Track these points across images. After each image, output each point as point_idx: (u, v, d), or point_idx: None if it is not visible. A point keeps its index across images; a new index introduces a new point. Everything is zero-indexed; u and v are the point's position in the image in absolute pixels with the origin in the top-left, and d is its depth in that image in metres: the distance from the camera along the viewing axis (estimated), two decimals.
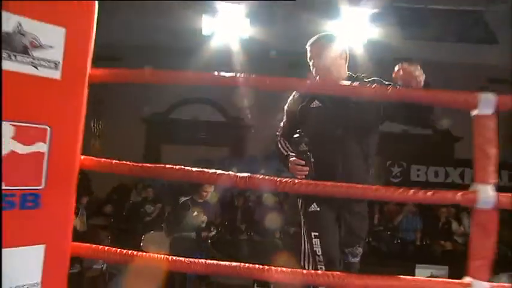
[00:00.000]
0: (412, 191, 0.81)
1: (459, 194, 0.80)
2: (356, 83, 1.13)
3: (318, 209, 1.15)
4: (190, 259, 0.80)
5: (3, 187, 0.66)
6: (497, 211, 0.81)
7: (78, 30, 0.77)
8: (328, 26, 3.17)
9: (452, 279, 0.90)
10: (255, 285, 3.26)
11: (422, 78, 0.94)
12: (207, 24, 3.02)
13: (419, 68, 0.95)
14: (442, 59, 3.57)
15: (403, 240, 4.75)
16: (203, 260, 0.85)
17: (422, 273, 3.56)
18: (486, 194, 0.78)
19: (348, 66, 1.31)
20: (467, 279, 0.80)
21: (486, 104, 0.80)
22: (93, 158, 0.81)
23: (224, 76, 0.85)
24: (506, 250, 4.86)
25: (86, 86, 0.78)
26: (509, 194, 0.83)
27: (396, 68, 0.96)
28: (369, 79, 1.23)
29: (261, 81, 0.94)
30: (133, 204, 4.55)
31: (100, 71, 0.82)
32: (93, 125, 6.33)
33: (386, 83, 1.13)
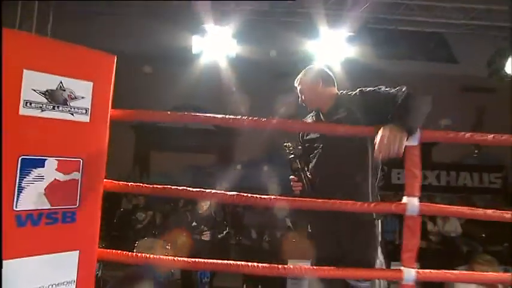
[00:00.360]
0: (358, 204, 1.07)
1: (393, 205, 1.07)
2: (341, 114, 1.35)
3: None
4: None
5: (50, 207, 0.86)
6: (420, 217, 1.08)
7: (102, 82, 0.98)
8: (309, 45, 3.47)
9: None
10: (244, 286, 3.46)
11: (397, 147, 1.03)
12: (196, 43, 3.26)
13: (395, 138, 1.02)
14: (412, 75, 3.97)
15: (384, 240, 5.05)
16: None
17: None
18: (412, 204, 1.05)
19: (336, 85, 1.47)
20: (400, 267, 1.06)
21: (413, 138, 1.07)
22: (113, 181, 1.02)
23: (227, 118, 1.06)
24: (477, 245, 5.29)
25: (108, 125, 1.00)
26: (430, 204, 1.09)
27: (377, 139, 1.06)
28: (353, 92, 1.39)
29: (241, 122, 1.17)
30: (124, 212, 4.67)
31: (119, 112, 1.04)
32: None
33: (368, 89, 1.33)
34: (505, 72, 3.39)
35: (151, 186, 1.03)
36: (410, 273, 1.04)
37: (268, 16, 3.47)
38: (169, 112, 1.41)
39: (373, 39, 3.34)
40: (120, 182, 1.03)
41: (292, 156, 1.36)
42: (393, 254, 5.00)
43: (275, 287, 3.15)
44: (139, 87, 5.28)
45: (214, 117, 1.08)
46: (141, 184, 1.04)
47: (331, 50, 3.40)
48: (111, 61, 1.01)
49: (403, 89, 1.20)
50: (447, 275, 1.13)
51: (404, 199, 1.09)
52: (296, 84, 1.46)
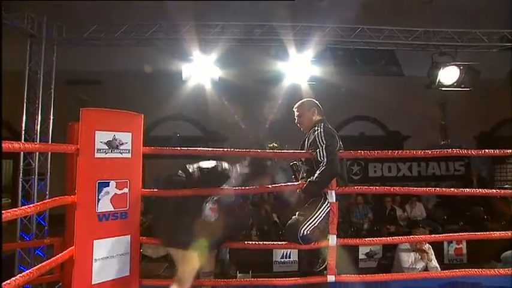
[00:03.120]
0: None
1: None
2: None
3: None
4: None
5: (113, 209, 1.48)
6: (337, 203, 1.74)
7: (136, 132, 1.61)
8: (279, 66, 4.14)
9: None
10: (238, 272, 4.05)
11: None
12: (186, 69, 3.87)
13: None
14: (366, 89, 4.73)
15: (357, 226, 5.74)
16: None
17: (364, 250, 4.64)
18: (331, 196, 1.72)
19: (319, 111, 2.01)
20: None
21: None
22: (147, 190, 1.65)
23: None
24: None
25: (141, 157, 1.63)
26: (344, 188, 1.75)
27: None
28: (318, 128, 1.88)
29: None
30: None
31: (149, 149, 1.67)
32: None
33: (318, 137, 1.80)
34: (440, 82, 4.15)
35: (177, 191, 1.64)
36: (333, 239, 1.70)
37: (245, 43, 4.12)
38: (185, 148, 1.75)
39: (333, 58, 4.02)
40: (151, 190, 1.66)
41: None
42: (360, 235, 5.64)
43: None
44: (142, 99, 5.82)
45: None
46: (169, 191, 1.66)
47: (298, 69, 4.09)
48: (141, 118, 1.64)
49: (325, 163, 1.74)
50: (361, 241, 1.80)
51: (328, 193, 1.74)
52: (295, 109, 2.05)
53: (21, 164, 3.86)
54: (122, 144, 1.54)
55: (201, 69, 3.83)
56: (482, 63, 4.38)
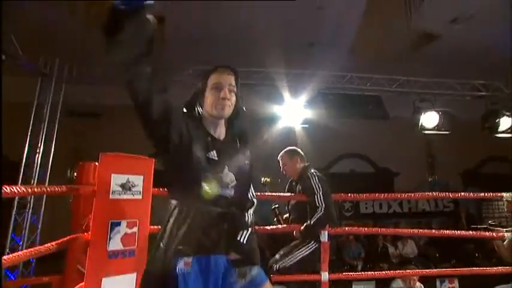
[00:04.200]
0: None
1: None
2: None
3: None
4: None
5: (122, 248, 1.59)
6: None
7: (147, 175, 1.78)
8: (275, 109, 4.46)
9: None
10: None
11: None
12: None
13: None
14: (355, 130, 5.08)
15: (350, 265, 5.74)
16: None
17: None
18: (324, 236, 1.87)
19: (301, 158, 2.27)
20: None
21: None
22: (153, 226, 1.76)
23: None
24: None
25: (150, 198, 1.77)
26: (337, 229, 1.90)
27: None
28: (313, 176, 2.11)
29: None
30: None
31: (158, 190, 1.82)
32: (69, 173, 6.85)
33: (309, 183, 2.08)
34: (423, 125, 4.52)
35: None
36: (325, 275, 1.82)
37: (243, 86, 4.46)
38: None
39: (324, 103, 4.37)
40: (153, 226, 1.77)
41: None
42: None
43: None
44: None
45: None
46: None
47: (293, 113, 4.42)
48: (152, 162, 1.81)
49: (323, 208, 1.95)
50: (351, 275, 1.92)
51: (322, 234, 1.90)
52: (279, 159, 2.32)
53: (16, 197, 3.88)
54: (134, 186, 1.69)
55: None
56: (460, 108, 4.81)
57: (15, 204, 3.89)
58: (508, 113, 4.52)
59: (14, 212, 3.85)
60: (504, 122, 4.65)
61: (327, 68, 4.54)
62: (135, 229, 1.66)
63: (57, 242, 1.36)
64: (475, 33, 4.78)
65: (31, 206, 3.92)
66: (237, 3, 3.79)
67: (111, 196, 1.59)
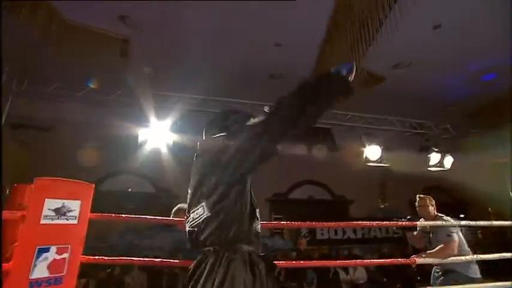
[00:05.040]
0: None
1: None
2: None
3: None
4: None
5: (49, 275, 1.55)
6: None
7: (85, 200, 1.78)
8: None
9: None
10: None
11: None
12: (142, 134, 4.16)
13: None
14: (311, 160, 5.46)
15: None
16: None
17: None
18: None
19: None
20: None
21: None
22: (89, 257, 1.74)
23: None
24: None
25: (87, 224, 1.76)
26: None
27: None
28: None
29: None
30: None
31: (96, 215, 1.81)
32: (8, 192, 6.33)
33: None
34: (367, 158, 4.98)
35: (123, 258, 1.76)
36: None
37: (199, 112, 4.63)
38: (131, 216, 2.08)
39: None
40: (92, 257, 1.75)
41: None
42: None
43: None
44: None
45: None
46: (110, 258, 1.76)
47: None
48: (91, 187, 1.83)
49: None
50: None
51: None
52: None
53: None
54: (70, 211, 1.69)
55: (156, 134, 4.15)
56: (401, 142, 5.38)
57: None
58: (436, 150, 5.13)
59: None
60: (434, 157, 5.26)
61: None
62: (65, 255, 1.63)
63: None
64: (415, 78, 5.51)
65: None
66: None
67: (42, 221, 1.57)
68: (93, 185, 1.82)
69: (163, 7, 4.08)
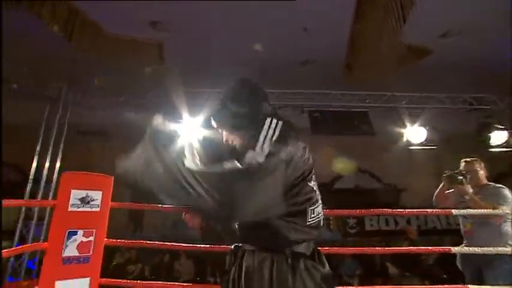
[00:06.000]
0: None
1: None
2: None
3: None
4: None
5: (78, 254, 1.81)
6: None
7: (106, 190, 2.01)
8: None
9: None
10: None
11: None
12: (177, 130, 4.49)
13: None
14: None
15: (346, 283, 5.60)
16: None
17: None
18: None
19: None
20: None
21: None
22: (111, 239, 1.98)
23: None
24: None
25: (108, 211, 1.99)
26: None
27: None
28: None
29: None
30: (116, 265, 5.38)
31: (116, 204, 2.04)
32: None
33: None
34: (411, 141, 4.53)
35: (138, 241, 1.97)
36: None
37: None
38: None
39: (310, 120, 4.52)
40: (114, 240, 1.99)
41: None
42: None
43: None
44: None
45: None
46: (130, 240, 1.98)
47: None
48: (111, 179, 2.06)
49: None
50: None
51: None
52: None
53: (23, 208, 4.26)
54: (93, 200, 1.93)
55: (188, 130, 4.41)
56: (449, 122, 4.77)
57: (22, 216, 4.26)
58: (501, 127, 4.45)
59: (18, 224, 4.21)
60: (498, 136, 4.56)
61: (312, 87, 4.73)
62: (91, 238, 1.88)
63: (16, 248, 1.60)
64: (465, 47, 4.82)
65: (35, 217, 4.28)
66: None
67: (70, 208, 1.84)
68: (112, 177, 2.04)
69: (189, 7, 4.25)
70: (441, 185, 2.65)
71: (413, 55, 4.87)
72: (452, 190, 2.55)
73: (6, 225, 5.45)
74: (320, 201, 1.23)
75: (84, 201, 1.89)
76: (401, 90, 4.81)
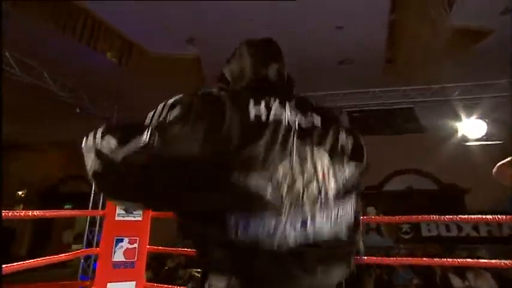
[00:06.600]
0: None
1: None
2: None
3: None
4: None
5: (125, 259, 1.99)
6: None
7: None
8: None
9: None
10: None
11: None
12: None
13: None
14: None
15: None
16: None
17: None
18: None
19: None
20: None
21: None
22: (153, 246, 2.13)
23: None
24: None
25: (149, 219, 2.16)
26: None
27: None
28: None
29: None
30: (168, 270, 5.72)
31: (157, 214, 2.20)
32: None
33: None
34: (468, 136, 4.05)
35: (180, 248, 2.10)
36: None
37: None
38: None
39: (349, 122, 4.32)
40: (156, 247, 2.14)
41: None
42: None
43: None
44: None
45: None
46: (173, 248, 2.12)
47: None
48: None
49: None
50: None
51: None
52: None
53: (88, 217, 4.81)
54: (136, 210, 2.11)
55: None
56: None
57: (88, 223, 4.81)
58: None
59: (86, 230, 4.76)
60: None
61: (349, 87, 4.53)
62: (135, 245, 2.05)
63: (67, 254, 1.82)
64: None
65: (97, 223, 4.80)
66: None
67: (116, 218, 2.03)
68: None
69: (218, 20, 4.41)
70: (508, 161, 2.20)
71: (467, 39, 4.37)
72: None
73: (82, 230, 6.12)
74: None
75: (128, 211, 2.07)
76: (452, 80, 4.34)
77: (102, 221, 4.77)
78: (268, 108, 0.68)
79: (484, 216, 2.23)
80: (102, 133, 0.64)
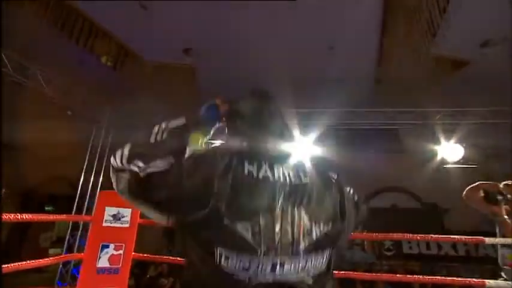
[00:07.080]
0: None
1: None
2: None
3: None
4: None
5: (109, 265, 2.01)
6: None
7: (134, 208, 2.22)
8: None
9: None
10: None
11: None
12: None
13: None
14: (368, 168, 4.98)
15: None
16: None
17: None
18: None
19: None
20: None
21: None
22: (138, 253, 2.17)
23: None
24: None
25: (136, 227, 2.20)
26: None
27: None
28: None
29: None
30: (150, 278, 5.63)
31: (143, 221, 2.25)
32: None
33: None
34: (446, 159, 4.25)
35: (166, 257, 2.14)
36: None
37: None
38: None
39: (335, 138, 4.50)
40: (145, 255, 2.18)
41: None
42: None
43: None
44: None
45: None
46: (158, 256, 2.16)
47: (303, 149, 4.63)
48: None
49: None
50: None
51: None
52: None
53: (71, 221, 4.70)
54: (124, 217, 2.15)
55: None
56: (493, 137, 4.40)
57: (69, 227, 4.71)
58: None
59: (67, 235, 4.66)
60: None
61: (338, 105, 4.71)
62: (121, 251, 2.08)
63: (52, 259, 1.84)
64: (507, 57, 4.51)
65: (81, 227, 4.71)
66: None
67: (104, 224, 2.06)
68: None
69: (217, 31, 4.52)
70: (476, 185, 2.37)
71: (448, 67, 4.66)
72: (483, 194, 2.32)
73: (63, 233, 5.96)
74: None
75: (116, 217, 2.11)
76: (433, 105, 4.59)
77: (86, 225, 4.71)
78: (259, 167, 0.82)
79: (459, 237, 2.40)
80: (129, 156, 0.80)
